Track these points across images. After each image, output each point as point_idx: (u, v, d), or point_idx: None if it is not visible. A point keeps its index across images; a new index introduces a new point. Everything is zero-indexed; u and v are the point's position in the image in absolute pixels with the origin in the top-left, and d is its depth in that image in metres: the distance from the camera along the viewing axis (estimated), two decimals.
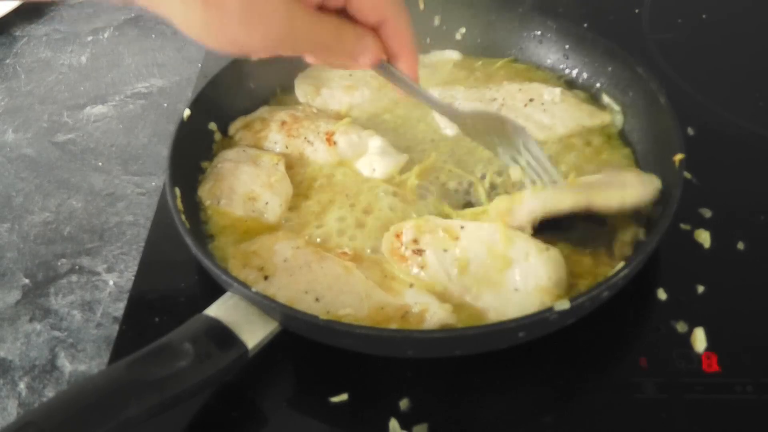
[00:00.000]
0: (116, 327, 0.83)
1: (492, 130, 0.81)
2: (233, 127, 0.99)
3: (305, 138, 0.95)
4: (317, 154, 0.94)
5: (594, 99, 1.01)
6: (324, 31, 0.65)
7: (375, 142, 0.93)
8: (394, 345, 0.71)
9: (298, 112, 1.00)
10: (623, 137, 0.96)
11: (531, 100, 0.99)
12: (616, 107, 0.97)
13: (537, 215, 0.80)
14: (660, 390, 0.73)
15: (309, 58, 0.71)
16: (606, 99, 0.98)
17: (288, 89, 1.06)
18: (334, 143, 0.94)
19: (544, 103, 0.98)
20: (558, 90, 0.99)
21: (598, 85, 1.02)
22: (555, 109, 0.97)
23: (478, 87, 1.03)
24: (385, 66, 0.73)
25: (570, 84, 1.04)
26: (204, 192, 0.90)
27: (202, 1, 0.58)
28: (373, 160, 0.91)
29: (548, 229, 0.82)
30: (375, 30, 0.70)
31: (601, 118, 0.97)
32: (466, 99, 1.00)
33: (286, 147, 0.96)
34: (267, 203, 0.88)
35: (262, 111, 1.01)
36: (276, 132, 0.97)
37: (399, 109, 1.02)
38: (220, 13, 0.59)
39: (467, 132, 0.84)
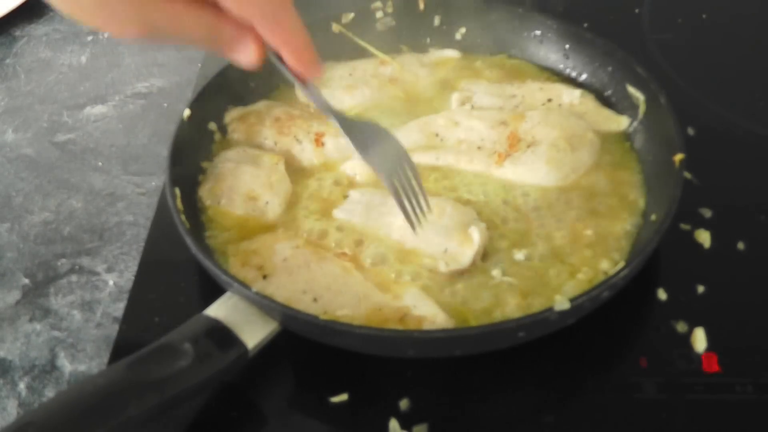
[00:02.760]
0: (116, 327, 0.83)
1: (377, 144, 0.75)
2: (229, 116, 0.99)
3: (295, 137, 0.95)
4: (304, 153, 0.94)
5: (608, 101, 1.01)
6: (193, 27, 0.61)
7: None
8: (394, 345, 0.71)
9: (294, 110, 1.00)
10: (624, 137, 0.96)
11: (549, 100, 0.99)
12: (641, 96, 0.94)
13: None
14: (660, 390, 0.73)
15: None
16: (630, 89, 0.96)
17: (291, 85, 1.06)
18: (322, 144, 0.94)
19: (562, 104, 0.98)
20: (578, 92, 0.99)
21: (598, 85, 1.02)
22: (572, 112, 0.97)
23: (501, 83, 1.03)
24: (274, 61, 0.67)
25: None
26: (204, 192, 0.90)
27: None
28: (357, 164, 0.92)
29: None
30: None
31: (617, 123, 0.96)
32: (486, 93, 1.01)
33: (275, 143, 0.96)
34: (267, 203, 0.88)
35: (260, 105, 1.01)
36: (268, 128, 0.97)
37: (399, 108, 1.02)
38: (73, 3, 0.58)
39: (356, 143, 0.75)
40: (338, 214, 0.86)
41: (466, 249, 0.80)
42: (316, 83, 0.72)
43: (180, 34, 0.61)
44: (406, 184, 0.75)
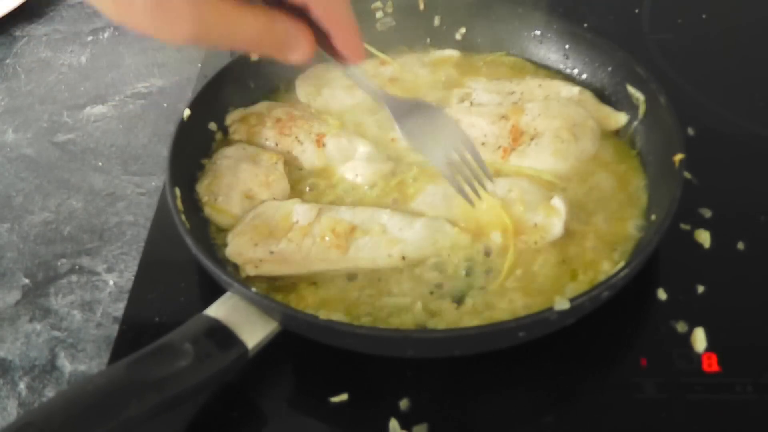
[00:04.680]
0: (116, 327, 0.83)
1: (428, 125, 0.76)
2: (230, 118, 0.99)
3: (296, 137, 0.95)
4: (305, 154, 0.94)
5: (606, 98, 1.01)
6: (246, 27, 0.61)
7: (363, 148, 0.93)
8: (394, 345, 0.71)
9: (296, 110, 1.00)
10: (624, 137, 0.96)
11: (548, 97, 0.99)
12: (641, 96, 0.94)
13: None
14: (660, 390, 0.73)
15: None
16: (630, 89, 0.96)
17: (291, 86, 1.06)
18: (323, 145, 0.94)
19: (560, 101, 0.98)
20: (576, 89, 0.99)
21: (598, 85, 1.02)
22: None
23: (500, 80, 1.04)
24: (321, 53, 0.69)
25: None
26: (202, 188, 0.90)
27: None
28: (358, 165, 0.92)
29: None
30: (305, 10, 0.65)
31: (616, 120, 0.96)
32: (485, 90, 1.01)
33: (276, 144, 0.96)
34: (263, 202, 0.88)
35: (261, 106, 1.01)
36: (269, 128, 0.97)
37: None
38: (127, 8, 0.58)
39: (403, 128, 0.76)
40: (418, 206, 0.87)
41: (554, 219, 0.82)
42: (359, 68, 0.74)
43: (233, 34, 0.61)
44: (461, 165, 0.75)
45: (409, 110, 0.75)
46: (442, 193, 0.87)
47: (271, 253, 0.81)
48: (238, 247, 0.82)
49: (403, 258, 0.81)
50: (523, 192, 0.85)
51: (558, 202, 0.84)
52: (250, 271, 0.80)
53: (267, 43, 0.63)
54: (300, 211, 0.84)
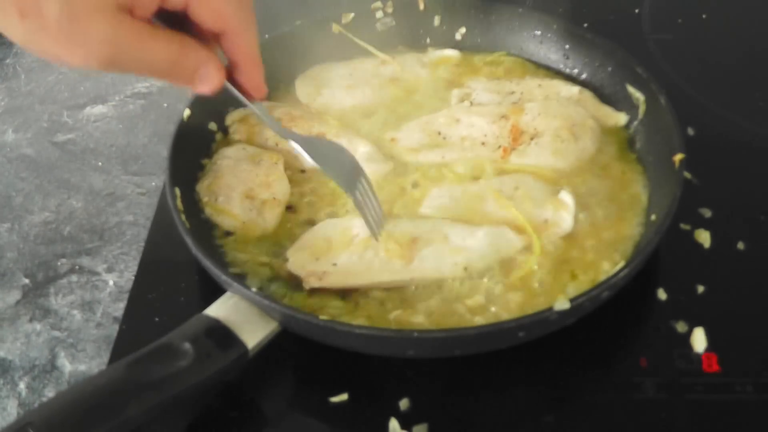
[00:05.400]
0: (116, 327, 0.83)
1: (336, 160, 0.77)
2: (230, 118, 0.99)
3: None
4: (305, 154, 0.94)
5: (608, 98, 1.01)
6: (158, 53, 0.59)
7: (363, 148, 0.93)
8: (394, 345, 0.71)
9: (295, 110, 1.00)
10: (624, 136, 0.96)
11: (548, 97, 0.99)
12: (641, 96, 0.94)
13: None
14: (660, 390, 0.73)
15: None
16: (630, 89, 0.96)
17: (291, 86, 1.06)
18: None
19: (560, 101, 0.98)
20: (576, 89, 0.99)
21: (598, 85, 1.02)
22: None
23: (500, 79, 1.04)
24: (226, 86, 0.68)
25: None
26: (202, 188, 0.90)
27: (19, 12, 0.52)
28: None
29: None
30: (217, 37, 0.64)
31: (615, 119, 0.97)
32: (485, 90, 1.01)
33: (276, 144, 0.96)
34: (264, 202, 0.88)
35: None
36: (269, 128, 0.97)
37: (399, 107, 1.02)
38: (38, 26, 0.53)
39: (316, 158, 0.76)
40: (425, 210, 0.87)
41: (563, 213, 0.83)
42: (263, 104, 0.73)
43: (147, 58, 0.58)
44: (366, 197, 0.78)
45: (317, 142, 0.78)
46: (448, 195, 0.87)
47: (335, 265, 0.79)
48: (299, 261, 0.80)
49: (465, 268, 0.79)
50: (529, 189, 0.85)
51: (566, 196, 0.84)
52: (314, 283, 0.78)
53: (179, 70, 0.61)
54: (359, 225, 0.82)
